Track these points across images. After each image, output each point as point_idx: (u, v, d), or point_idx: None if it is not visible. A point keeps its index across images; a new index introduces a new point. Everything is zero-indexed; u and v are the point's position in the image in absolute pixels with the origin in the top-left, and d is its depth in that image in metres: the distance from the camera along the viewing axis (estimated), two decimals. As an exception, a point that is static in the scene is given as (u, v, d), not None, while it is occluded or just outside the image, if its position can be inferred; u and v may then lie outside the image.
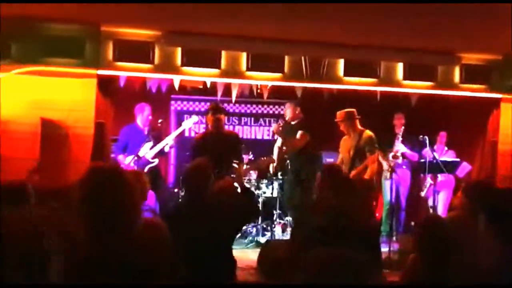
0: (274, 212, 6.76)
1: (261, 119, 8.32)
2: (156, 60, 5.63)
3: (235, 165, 5.47)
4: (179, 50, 5.70)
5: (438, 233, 2.63)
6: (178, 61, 5.71)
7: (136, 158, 5.80)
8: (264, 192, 6.86)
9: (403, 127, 6.82)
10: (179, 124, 7.49)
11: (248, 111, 8.29)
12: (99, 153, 5.35)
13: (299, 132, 6.06)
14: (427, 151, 6.37)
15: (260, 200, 6.71)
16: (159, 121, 6.19)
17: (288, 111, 6.30)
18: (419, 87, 6.43)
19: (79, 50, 5.29)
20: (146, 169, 5.83)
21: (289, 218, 6.64)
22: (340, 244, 2.19)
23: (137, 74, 5.73)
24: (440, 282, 2.52)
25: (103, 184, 1.93)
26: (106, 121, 5.80)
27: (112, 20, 5.30)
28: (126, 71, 5.64)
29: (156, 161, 6.04)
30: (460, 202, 3.48)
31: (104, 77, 5.58)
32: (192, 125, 6.28)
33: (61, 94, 5.33)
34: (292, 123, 6.25)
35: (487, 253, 2.15)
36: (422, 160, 6.35)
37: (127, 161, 5.84)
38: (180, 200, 6.10)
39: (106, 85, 5.76)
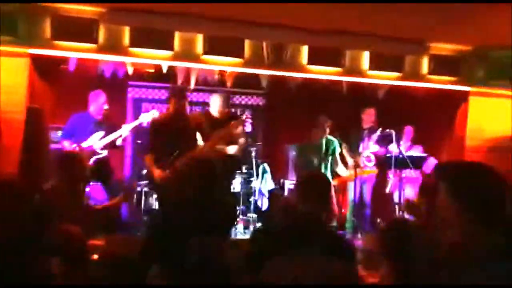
0: (237, 207, 6.34)
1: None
2: (100, 40, 5.12)
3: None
4: (126, 29, 5.21)
5: (405, 237, 2.34)
6: (126, 41, 5.21)
7: (77, 148, 5.30)
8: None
9: (372, 124, 6.44)
10: (136, 112, 7.12)
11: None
12: (31, 140, 4.81)
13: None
14: (393, 145, 6.13)
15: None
16: (105, 107, 5.62)
17: (215, 103, 5.51)
18: (385, 78, 6.12)
19: (9, 26, 4.74)
20: (92, 161, 5.34)
21: (252, 215, 6.29)
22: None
23: (78, 55, 5.22)
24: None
25: None
26: (45, 107, 5.30)
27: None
28: (65, 51, 5.11)
29: (105, 152, 5.54)
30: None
31: (43, 58, 5.07)
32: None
33: (-13, 74, 4.78)
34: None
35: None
36: (388, 155, 6.12)
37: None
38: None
39: (47, 68, 5.29)
